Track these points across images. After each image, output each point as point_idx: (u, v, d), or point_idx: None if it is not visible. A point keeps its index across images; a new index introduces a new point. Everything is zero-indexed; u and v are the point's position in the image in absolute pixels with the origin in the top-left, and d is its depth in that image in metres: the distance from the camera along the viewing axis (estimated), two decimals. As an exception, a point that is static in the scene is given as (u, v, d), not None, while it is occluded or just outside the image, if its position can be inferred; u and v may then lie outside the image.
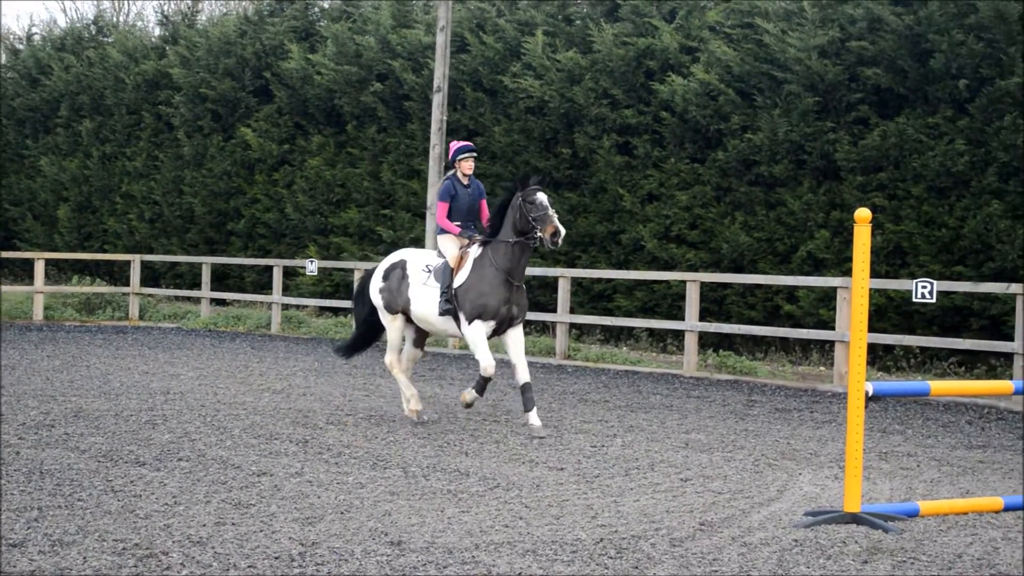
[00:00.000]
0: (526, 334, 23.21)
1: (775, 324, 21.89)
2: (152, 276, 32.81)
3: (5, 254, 32.15)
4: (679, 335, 22.45)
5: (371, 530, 8.12)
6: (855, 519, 8.53)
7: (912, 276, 20.02)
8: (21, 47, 40.31)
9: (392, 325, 13.83)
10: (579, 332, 24.37)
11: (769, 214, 22.31)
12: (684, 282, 20.80)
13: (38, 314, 27.55)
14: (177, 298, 31.72)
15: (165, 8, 41.18)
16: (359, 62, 28.86)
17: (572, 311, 22.94)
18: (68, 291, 29.37)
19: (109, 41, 37.32)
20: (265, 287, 29.79)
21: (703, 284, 21.46)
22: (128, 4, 53.66)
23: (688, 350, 19.91)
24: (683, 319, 20.57)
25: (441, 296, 13.26)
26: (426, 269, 13.56)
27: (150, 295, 30.41)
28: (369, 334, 14.58)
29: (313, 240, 29.55)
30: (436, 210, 13.77)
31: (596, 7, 26.12)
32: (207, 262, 29.03)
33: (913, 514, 8.80)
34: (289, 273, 29.47)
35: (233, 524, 8.20)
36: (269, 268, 28.92)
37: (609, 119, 24.36)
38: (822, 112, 21.73)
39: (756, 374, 19.62)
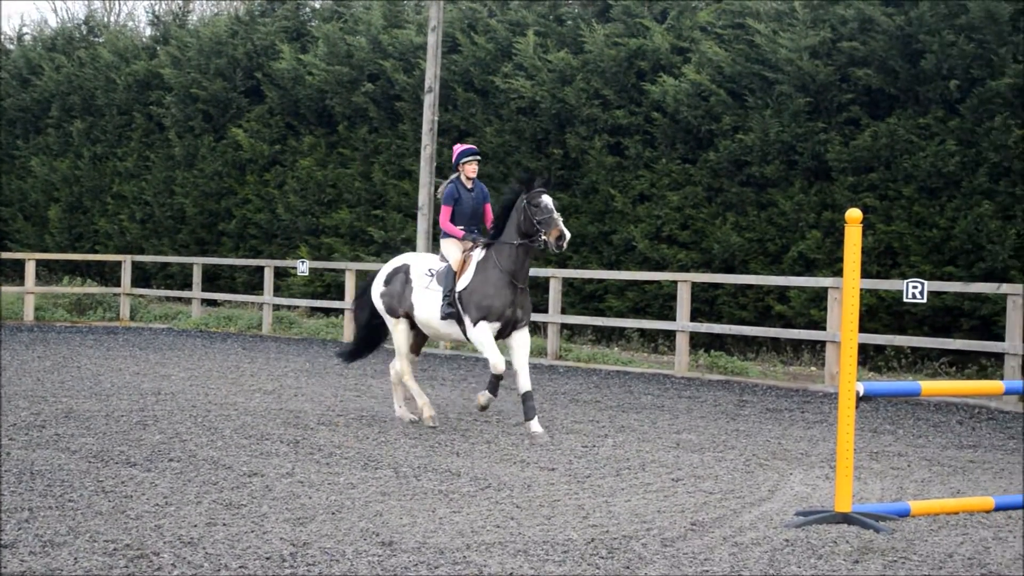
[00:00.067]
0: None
1: (766, 324, 21.91)
2: (143, 277, 32.78)
3: (-4, 255, 32.14)
4: (670, 335, 22.46)
5: (362, 530, 8.12)
6: (846, 519, 8.53)
7: (903, 276, 20.04)
8: (12, 47, 40.24)
9: (397, 329, 13.70)
10: (570, 332, 24.37)
11: (760, 214, 22.33)
12: (675, 282, 20.81)
13: (29, 315, 27.50)
14: (168, 299, 31.69)
15: (156, 8, 41.17)
16: (350, 62, 28.85)
17: (563, 311, 22.95)
18: (59, 292, 29.34)
19: (100, 41, 37.27)
20: (256, 288, 29.76)
21: (694, 284, 21.48)
22: (119, 4, 53.59)
23: (679, 350, 19.92)
24: (674, 319, 20.58)
25: (443, 300, 13.15)
26: (429, 273, 13.42)
27: (141, 296, 30.38)
28: (371, 339, 14.46)
29: (304, 241, 29.53)
30: (440, 214, 13.62)
31: (587, 7, 26.12)
32: (198, 263, 29.00)
33: (904, 514, 8.81)
34: (280, 274, 29.44)
35: (224, 525, 8.19)
36: (260, 269, 28.91)
37: (600, 119, 24.37)
38: (813, 113, 21.75)
39: (747, 374, 19.64)
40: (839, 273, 19.60)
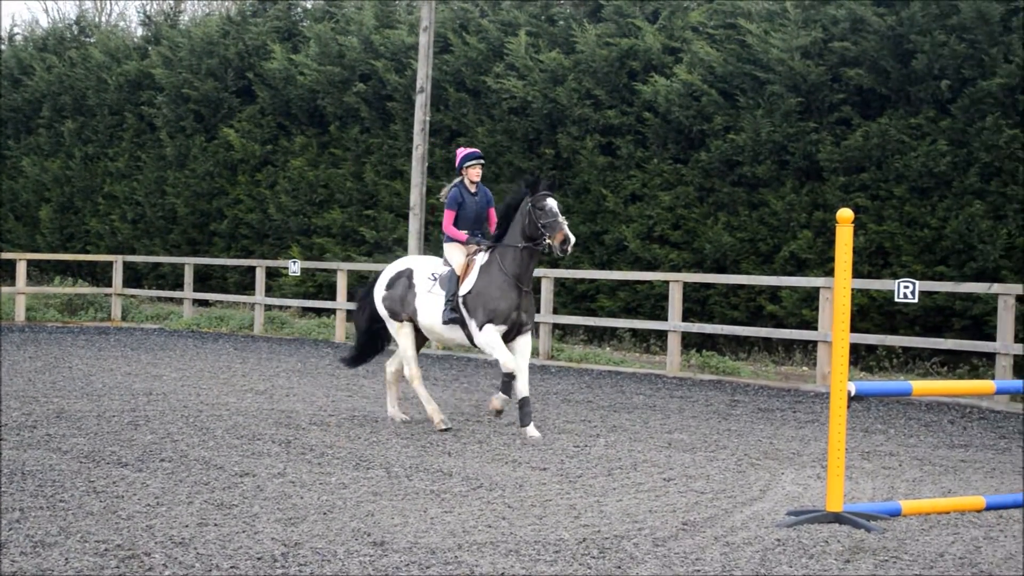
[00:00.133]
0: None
1: (758, 324, 21.93)
2: (134, 277, 32.75)
3: (-13, 255, 32.08)
4: (662, 335, 22.47)
5: (354, 530, 8.11)
6: (837, 518, 8.54)
7: (894, 276, 20.07)
8: (3, 47, 40.17)
9: (401, 333, 13.53)
10: (562, 332, 24.38)
11: (752, 214, 22.34)
12: (667, 282, 20.82)
13: (20, 315, 27.46)
14: (160, 299, 31.66)
15: (147, 8, 41.13)
16: (342, 62, 28.84)
17: (555, 311, 22.95)
18: (50, 292, 29.29)
19: (91, 41, 37.22)
20: (248, 288, 29.74)
21: (686, 284, 21.49)
22: (110, 4, 53.56)
23: (671, 350, 19.93)
24: (666, 319, 20.59)
25: (446, 305, 13.04)
26: (432, 277, 13.29)
27: (132, 296, 30.34)
28: (372, 343, 14.29)
29: (296, 241, 29.51)
30: (443, 218, 13.51)
31: (579, 7, 26.13)
32: (190, 263, 28.97)
33: (895, 513, 8.82)
34: (272, 274, 29.42)
35: (215, 525, 8.19)
36: (252, 269, 28.89)
37: (592, 119, 24.38)
38: (805, 112, 21.77)
39: (739, 374, 19.65)
40: (830, 273, 19.62)
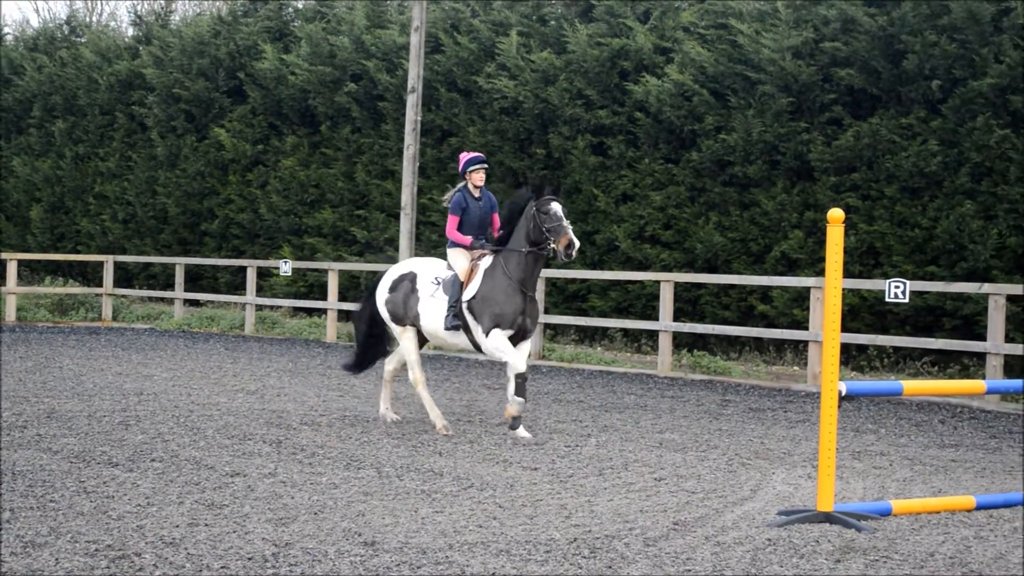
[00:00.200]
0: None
1: (749, 324, 21.95)
2: (125, 277, 32.72)
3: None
4: (653, 335, 22.48)
5: (344, 530, 8.11)
6: (828, 518, 8.55)
7: (885, 276, 20.09)
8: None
9: (405, 336, 13.42)
10: (553, 332, 24.38)
11: (743, 214, 22.36)
12: (658, 282, 20.82)
13: (10, 315, 27.42)
14: (150, 299, 31.63)
15: (138, 8, 41.08)
16: (333, 62, 28.83)
17: (546, 311, 22.95)
18: (41, 292, 29.25)
19: (82, 41, 37.19)
20: (239, 288, 29.72)
21: (677, 284, 21.50)
22: (101, 4, 53.50)
23: (662, 350, 19.93)
24: (657, 319, 20.59)
25: (449, 311, 12.94)
26: (435, 282, 13.16)
27: (123, 296, 30.30)
28: (373, 347, 14.13)
29: (287, 241, 29.50)
30: (447, 223, 13.39)
31: (570, 8, 26.14)
32: (180, 263, 28.95)
33: (886, 513, 8.83)
34: (263, 274, 29.41)
35: (206, 525, 8.18)
36: (243, 269, 28.86)
37: (583, 119, 24.38)
38: (796, 113, 21.79)
39: (730, 374, 19.66)
40: (821, 273, 19.63)
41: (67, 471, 9.98)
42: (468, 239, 13.15)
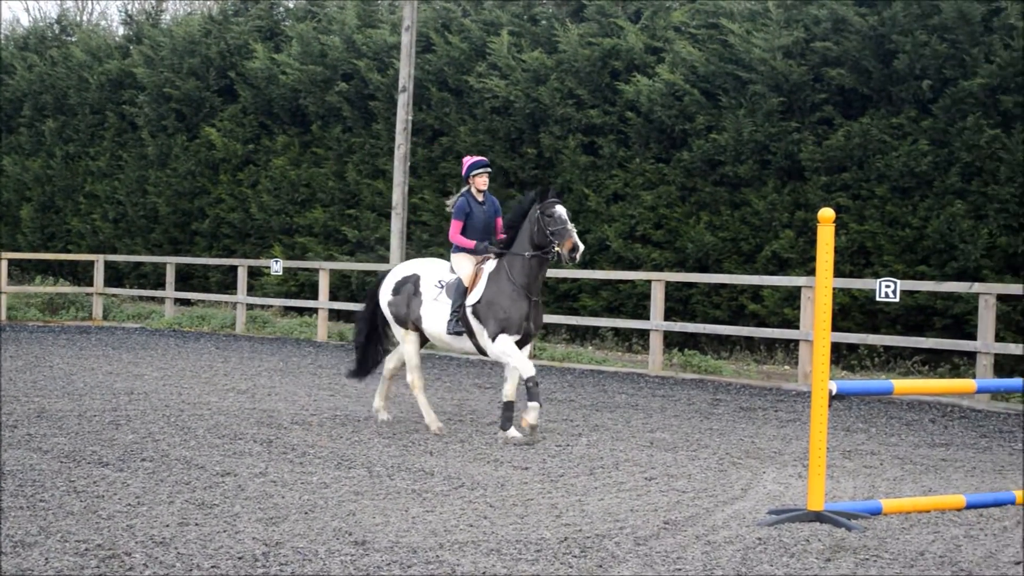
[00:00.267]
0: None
1: (740, 323, 21.96)
2: (116, 276, 32.68)
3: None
4: (644, 334, 22.49)
5: (335, 530, 8.10)
6: (818, 517, 8.55)
7: (876, 275, 20.11)
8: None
9: (407, 339, 13.33)
10: (544, 331, 24.37)
11: (734, 214, 22.37)
12: (649, 282, 20.83)
13: (1, 314, 27.38)
14: (141, 298, 31.59)
15: (129, 7, 41.01)
16: (324, 62, 28.81)
17: (538, 311, 22.91)
18: (31, 291, 29.21)
19: (73, 40, 37.13)
20: (230, 287, 29.69)
21: (668, 284, 21.52)
22: (92, 3, 53.41)
23: (653, 349, 19.95)
24: (648, 318, 20.60)
25: (451, 315, 12.84)
26: (439, 285, 13.07)
27: (114, 295, 30.27)
28: (373, 349, 14.04)
29: (278, 240, 29.47)
30: (450, 227, 13.29)
31: (562, 7, 26.14)
32: (171, 262, 28.91)
33: (876, 512, 8.84)
34: (254, 273, 29.38)
35: (197, 524, 8.17)
36: (234, 268, 28.84)
37: (574, 119, 24.38)
38: (787, 112, 21.81)
39: (721, 373, 19.67)
40: (812, 272, 19.66)
41: (57, 471, 9.97)
42: (472, 243, 13.03)
